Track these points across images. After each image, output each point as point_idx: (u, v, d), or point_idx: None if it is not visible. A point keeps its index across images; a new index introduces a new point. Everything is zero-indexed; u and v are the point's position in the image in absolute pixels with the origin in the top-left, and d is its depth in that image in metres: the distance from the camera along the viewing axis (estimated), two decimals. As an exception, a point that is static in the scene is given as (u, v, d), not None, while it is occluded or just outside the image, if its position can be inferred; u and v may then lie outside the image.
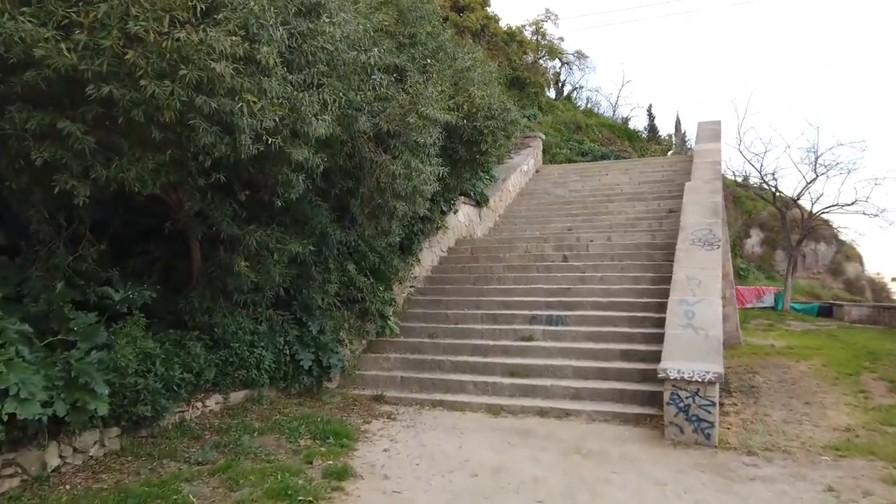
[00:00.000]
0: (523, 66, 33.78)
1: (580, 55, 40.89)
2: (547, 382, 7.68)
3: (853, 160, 24.34)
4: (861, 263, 55.54)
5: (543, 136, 19.60)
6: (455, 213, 12.36)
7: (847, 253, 52.27)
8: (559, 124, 31.80)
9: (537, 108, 31.11)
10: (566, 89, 41.04)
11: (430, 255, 11.55)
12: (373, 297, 8.67)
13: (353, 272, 8.47)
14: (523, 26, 36.25)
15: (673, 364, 6.25)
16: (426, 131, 7.06)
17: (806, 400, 8.70)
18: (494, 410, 7.36)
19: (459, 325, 9.45)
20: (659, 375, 6.17)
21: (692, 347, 6.57)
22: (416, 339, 9.26)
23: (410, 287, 10.39)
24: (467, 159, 8.71)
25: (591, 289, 9.76)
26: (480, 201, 13.63)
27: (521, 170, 16.92)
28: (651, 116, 46.52)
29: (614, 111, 42.12)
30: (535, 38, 36.71)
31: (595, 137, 32.07)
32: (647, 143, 36.37)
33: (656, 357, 7.69)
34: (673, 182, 15.22)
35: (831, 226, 32.95)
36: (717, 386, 6.00)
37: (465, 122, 8.45)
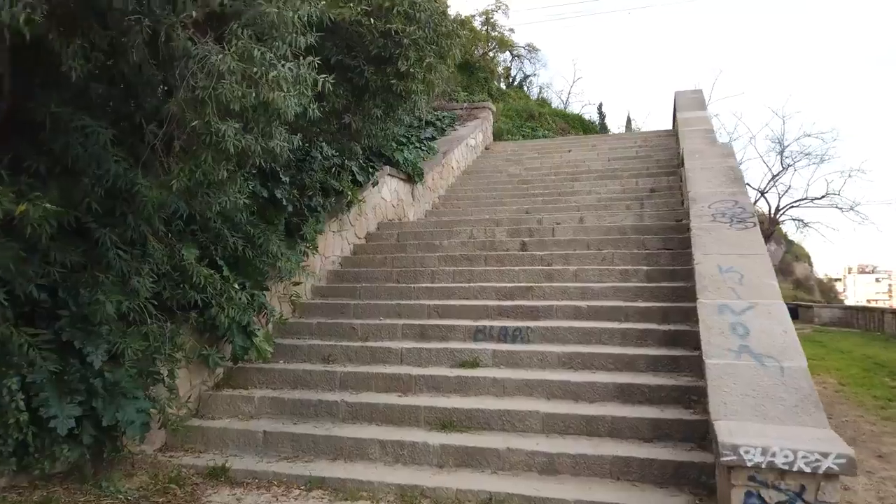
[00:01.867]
0: (473, 48, 30.98)
1: (531, 48, 38.84)
2: (499, 442, 4.63)
3: (823, 151, 22.62)
4: (810, 264, 55.38)
5: (494, 108, 16.62)
6: (375, 185, 9.18)
7: (797, 253, 51.81)
8: (511, 112, 29.15)
9: (487, 95, 28.42)
10: (518, 77, 38.83)
11: (337, 241, 8.33)
12: (226, 300, 5.41)
13: (190, 260, 5.18)
14: (473, 16, 33.93)
15: (746, 437, 3.26)
16: (289, 2, 3.89)
17: (878, 451, 5.96)
18: (411, 498, 4.25)
19: (370, 343, 6.29)
20: (724, 458, 3.16)
21: (764, 393, 3.63)
22: (302, 366, 6.05)
23: (294, 287, 7.15)
24: (378, 87, 5.56)
25: (562, 288, 6.76)
26: (413, 176, 10.49)
27: (466, 144, 13.89)
28: (602, 115, 44.49)
29: (565, 107, 40.15)
30: (484, 28, 34.58)
31: (549, 126, 29.60)
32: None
33: (675, 397, 4.75)
34: (650, 158, 12.50)
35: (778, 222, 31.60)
36: (839, 482, 3.06)
37: (370, 24, 5.30)
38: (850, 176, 23.18)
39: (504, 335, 6.09)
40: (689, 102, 13.03)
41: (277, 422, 5.34)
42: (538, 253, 7.68)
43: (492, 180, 12.63)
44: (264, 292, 6.27)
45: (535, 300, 6.72)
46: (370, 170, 8.93)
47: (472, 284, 7.14)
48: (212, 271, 5.36)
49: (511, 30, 37.50)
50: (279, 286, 6.86)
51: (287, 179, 7.13)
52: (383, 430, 5.06)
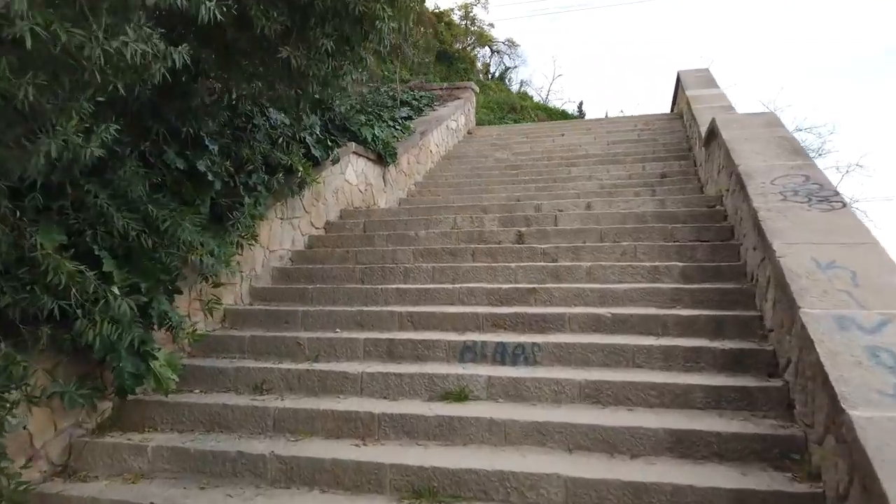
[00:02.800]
0: (453, 41, 29.48)
1: (511, 43, 37.84)
2: (505, 527, 3.04)
3: (819, 145, 21.55)
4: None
5: (477, 89, 15.02)
6: (336, 163, 7.51)
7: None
8: (492, 104, 27.67)
9: (467, 86, 26.98)
10: (499, 71, 37.58)
11: (287, 231, 6.65)
12: (100, 309, 3.71)
13: (47, 249, 3.48)
14: (451, 10, 32.64)
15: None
16: None
17: None
18: None
19: (319, 366, 4.63)
20: None
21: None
22: (223, 398, 4.36)
23: (222, 290, 5.48)
24: (327, 7, 3.92)
25: (575, 291, 5.18)
26: (385, 156, 8.84)
27: (447, 126, 12.28)
28: (582, 114, 43.49)
29: (546, 104, 39.07)
30: (463, 23, 33.28)
31: (531, 120, 28.26)
32: (587, 128, 33.20)
33: (759, 453, 3.22)
34: (655, 142, 11.03)
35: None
36: None
37: None
38: (847, 171, 22.22)
39: (501, 354, 4.50)
40: (698, 80, 11.60)
41: (177, 486, 3.66)
42: (539, 245, 6.09)
43: (476, 166, 11.03)
44: (172, 296, 4.56)
45: (541, 306, 5.13)
46: (329, 144, 7.25)
47: (456, 285, 5.53)
48: (80, 266, 3.65)
49: (491, 24, 36.48)
50: (201, 288, 5.17)
51: (216, 148, 5.44)
52: (329, 502, 3.43)
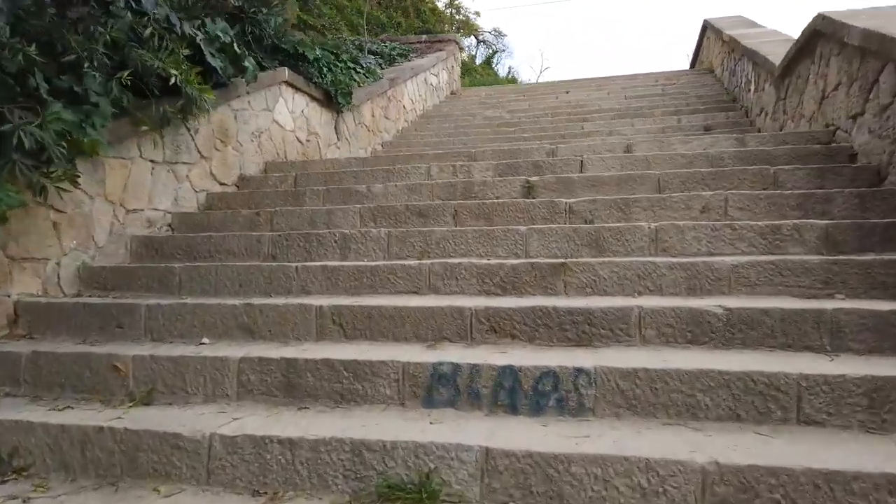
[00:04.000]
0: (436, 21, 27.10)
1: (498, 33, 35.89)
2: None
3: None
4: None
5: (462, 45, 12.67)
6: (250, 93, 5.10)
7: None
8: (478, 87, 25.57)
9: (452, 67, 24.72)
10: (483, 52, 35.48)
11: (168, 183, 4.23)
12: None
13: None
14: None
15: None
16: None
17: None
18: None
19: (142, 417, 2.29)
20: None
21: None
22: None
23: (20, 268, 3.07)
24: None
25: (638, 268, 2.88)
26: (337, 97, 6.43)
27: (426, 80, 9.92)
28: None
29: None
30: (448, 10, 31.15)
31: (521, 104, 26.25)
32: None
33: None
34: (686, 95, 8.76)
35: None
36: None
37: None
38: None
39: (510, 393, 2.17)
40: (736, 23, 9.36)
41: None
42: (562, 200, 3.76)
43: (461, 124, 8.69)
44: None
45: (579, 295, 2.83)
46: (244, 61, 4.84)
47: (426, 261, 3.19)
48: None
49: (476, 13, 34.42)
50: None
51: (6, 27, 3.07)
52: None
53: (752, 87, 6.95)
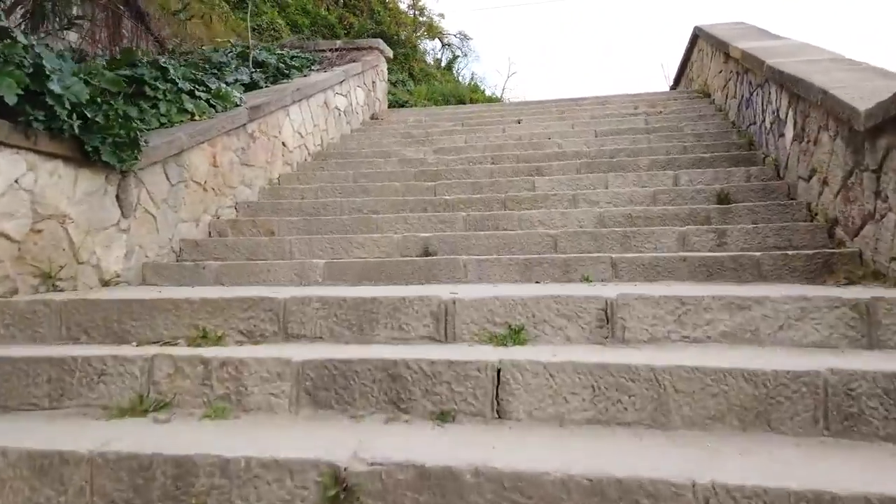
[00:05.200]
0: (391, 22, 24.34)
1: (464, 36, 33.67)
2: None
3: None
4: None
5: (391, 54, 9.97)
6: None
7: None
8: (436, 95, 22.84)
9: (408, 75, 22.15)
10: (447, 56, 33.09)
11: None
12: None
13: None
14: None
15: None
16: None
17: None
18: None
19: None
20: None
21: None
22: None
23: None
24: None
25: None
26: (103, 158, 3.72)
27: (325, 102, 7.25)
28: (542, 107, 39.63)
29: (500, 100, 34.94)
30: (412, 12, 28.68)
31: (482, 114, 23.77)
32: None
33: None
34: (681, 131, 6.31)
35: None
36: None
37: None
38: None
39: None
40: (747, 31, 6.95)
41: None
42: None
43: (366, 171, 6.05)
44: None
45: None
46: None
47: None
48: None
49: (441, 15, 32.14)
50: None
51: None
52: None
53: (789, 133, 4.50)
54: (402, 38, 23.83)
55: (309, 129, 6.73)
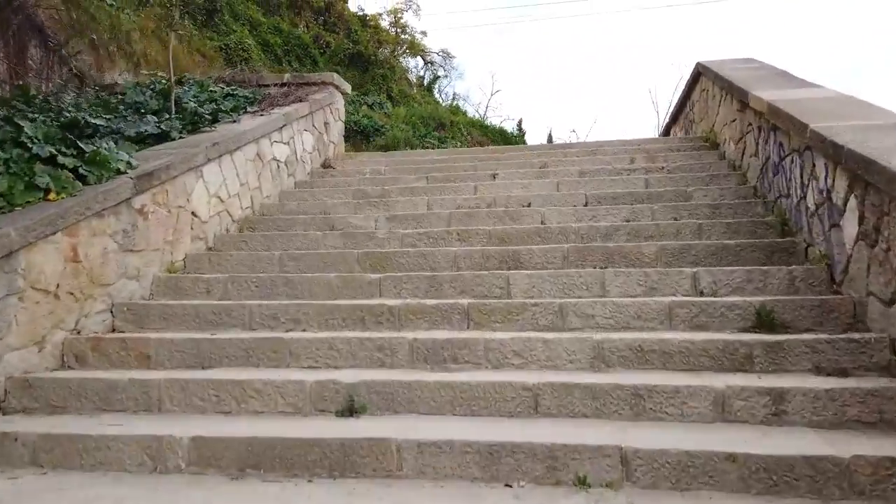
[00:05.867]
0: (369, 42, 23.18)
1: (446, 54, 32.89)
2: None
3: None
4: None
5: (349, 89, 8.67)
6: None
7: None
8: (415, 118, 21.64)
9: (385, 97, 20.98)
10: (427, 78, 32.12)
11: None
12: None
13: None
14: (380, 14, 27.13)
15: None
16: None
17: None
18: None
19: None
20: None
21: None
22: None
23: None
24: None
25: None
26: None
27: (258, 154, 5.93)
28: (521, 131, 38.57)
29: (484, 120, 33.97)
30: (393, 29, 27.77)
31: (463, 139, 22.41)
32: (530, 152, 28.15)
33: None
34: (690, 198, 5.06)
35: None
36: None
37: None
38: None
39: None
40: (769, 75, 5.76)
41: None
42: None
43: (294, 254, 4.72)
44: None
45: None
46: None
47: None
48: None
49: (423, 32, 31.47)
50: None
51: None
52: None
53: (851, 228, 3.28)
54: (381, 58, 22.73)
55: (233, 190, 5.42)
